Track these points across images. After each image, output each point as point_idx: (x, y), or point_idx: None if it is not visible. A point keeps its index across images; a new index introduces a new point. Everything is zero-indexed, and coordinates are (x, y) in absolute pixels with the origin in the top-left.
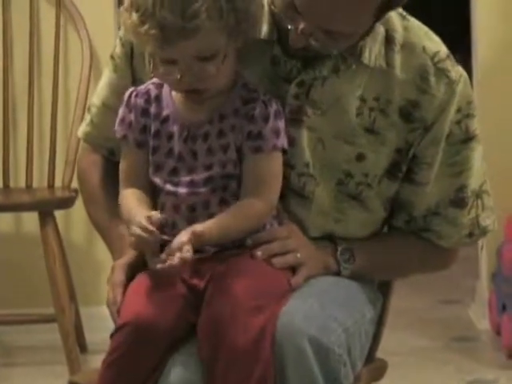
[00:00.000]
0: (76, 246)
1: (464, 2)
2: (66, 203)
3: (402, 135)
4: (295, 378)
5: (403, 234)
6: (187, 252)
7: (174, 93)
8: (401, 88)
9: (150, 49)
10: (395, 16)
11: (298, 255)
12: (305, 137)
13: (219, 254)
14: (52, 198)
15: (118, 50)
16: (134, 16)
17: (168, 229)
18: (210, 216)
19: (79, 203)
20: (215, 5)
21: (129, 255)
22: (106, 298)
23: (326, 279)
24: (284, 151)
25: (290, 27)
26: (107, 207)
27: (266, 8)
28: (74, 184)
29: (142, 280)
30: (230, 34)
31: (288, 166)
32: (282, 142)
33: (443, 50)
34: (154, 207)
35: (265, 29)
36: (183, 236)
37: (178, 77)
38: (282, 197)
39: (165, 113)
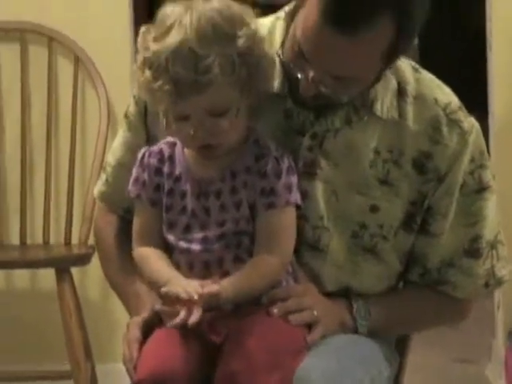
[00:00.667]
0: (92, 303)
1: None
2: (83, 260)
3: (414, 186)
4: None
5: (418, 287)
6: (197, 313)
7: (186, 150)
8: (413, 139)
9: (164, 106)
10: (407, 68)
11: (315, 312)
12: (319, 189)
13: (236, 311)
14: (69, 255)
15: (132, 108)
16: (147, 73)
17: None
18: (225, 273)
19: (96, 260)
20: (227, 59)
21: (145, 312)
22: (123, 354)
23: (342, 337)
24: (298, 207)
25: (300, 76)
26: (122, 265)
27: (277, 61)
28: (91, 241)
29: (158, 336)
30: (243, 88)
31: (302, 218)
32: (295, 197)
33: (455, 101)
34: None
35: (276, 82)
36: (194, 294)
37: (192, 132)
38: (297, 250)
39: (177, 171)
